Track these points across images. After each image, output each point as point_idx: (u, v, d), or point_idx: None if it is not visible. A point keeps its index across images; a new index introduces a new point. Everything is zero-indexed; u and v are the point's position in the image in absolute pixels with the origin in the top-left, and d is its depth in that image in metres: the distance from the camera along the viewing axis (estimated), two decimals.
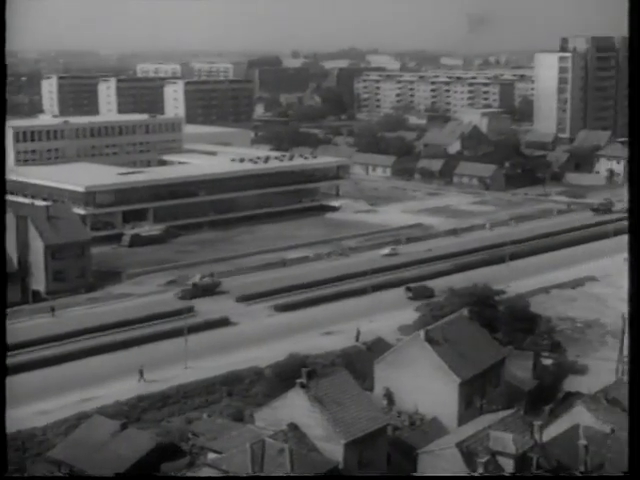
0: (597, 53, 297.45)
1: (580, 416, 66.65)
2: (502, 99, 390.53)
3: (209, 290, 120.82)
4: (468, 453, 58.54)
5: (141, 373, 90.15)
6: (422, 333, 73.42)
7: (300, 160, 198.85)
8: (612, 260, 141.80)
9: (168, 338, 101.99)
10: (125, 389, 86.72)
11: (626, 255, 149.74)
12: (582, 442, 60.68)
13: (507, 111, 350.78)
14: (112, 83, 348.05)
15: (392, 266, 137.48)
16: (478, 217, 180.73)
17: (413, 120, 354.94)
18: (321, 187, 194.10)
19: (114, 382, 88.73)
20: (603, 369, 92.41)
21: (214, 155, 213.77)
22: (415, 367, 71.95)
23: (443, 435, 66.10)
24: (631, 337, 48.19)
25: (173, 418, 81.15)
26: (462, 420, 69.69)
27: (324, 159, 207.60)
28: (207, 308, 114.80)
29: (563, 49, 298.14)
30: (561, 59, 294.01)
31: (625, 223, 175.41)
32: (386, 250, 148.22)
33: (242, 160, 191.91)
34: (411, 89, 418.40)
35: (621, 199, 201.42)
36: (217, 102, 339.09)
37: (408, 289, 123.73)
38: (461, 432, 64.18)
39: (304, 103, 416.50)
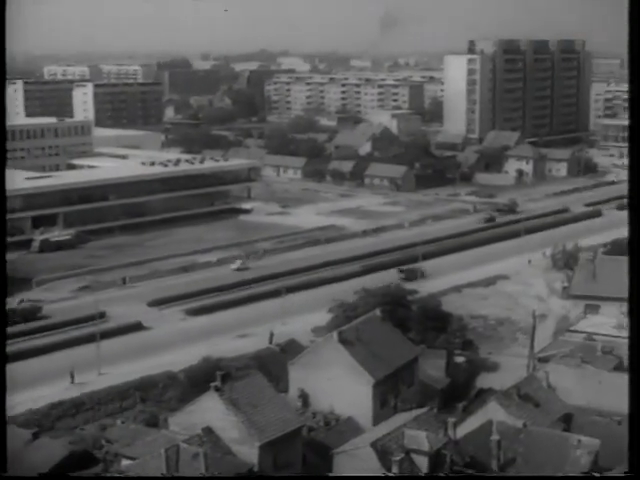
0: (504, 55, 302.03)
1: (493, 412, 67.59)
2: (412, 100, 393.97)
3: (28, 316, 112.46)
4: (383, 452, 58.88)
5: (72, 375, 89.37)
6: (335, 334, 73.71)
7: (211, 163, 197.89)
8: (522, 258, 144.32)
9: (80, 344, 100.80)
10: (38, 397, 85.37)
11: (531, 256, 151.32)
12: (495, 437, 61.50)
13: (417, 112, 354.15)
14: (19, 85, 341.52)
15: (306, 268, 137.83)
16: (390, 218, 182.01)
17: (324, 122, 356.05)
18: (233, 190, 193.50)
19: (26, 390, 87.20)
20: (515, 365, 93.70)
21: (124, 158, 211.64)
22: (329, 368, 72.17)
23: (358, 435, 66.37)
24: (631, 336, 48.31)
25: (87, 425, 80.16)
26: (377, 419, 70.12)
27: (235, 161, 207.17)
28: (119, 313, 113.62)
29: (471, 51, 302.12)
30: (469, 61, 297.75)
31: (532, 222, 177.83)
32: (235, 264, 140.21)
33: (153, 163, 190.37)
34: (321, 91, 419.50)
35: (532, 198, 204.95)
36: (127, 105, 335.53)
37: (401, 271, 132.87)
38: (376, 431, 64.54)
39: (215, 105, 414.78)
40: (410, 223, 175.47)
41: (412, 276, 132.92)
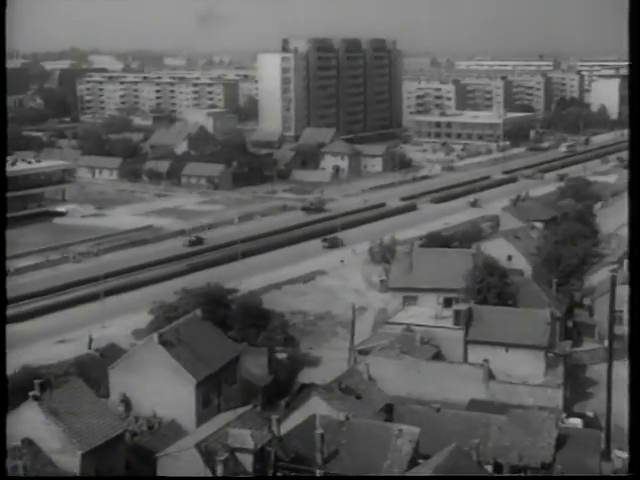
0: (317, 53, 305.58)
1: (315, 407, 68.33)
2: (227, 99, 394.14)
3: None
4: (207, 453, 58.63)
5: None
6: (156, 336, 72.90)
7: (23, 165, 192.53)
8: (340, 254, 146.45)
9: None
10: None
11: (347, 252, 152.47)
12: (318, 432, 62.13)
13: (232, 111, 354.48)
14: None
15: (126, 269, 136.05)
16: (208, 216, 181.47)
17: (138, 121, 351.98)
18: (47, 192, 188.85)
19: None
20: (336, 359, 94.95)
21: None
22: (150, 371, 71.33)
23: (182, 437, 65.88)
24: (631, 335, 48.96)
25: None
26: (200, 420, 69.69)
27: (48, 163, 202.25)
28: None
29: (285, 50, 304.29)
30: (283, 59, 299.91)
31: (350, 218, 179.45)
32: None
33: None
34: (135, 90, 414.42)
35: (348, 194, 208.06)
36: None
37: (325, 240, 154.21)
38: (200, 432, 64.20)
39: (25, 105, 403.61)
40: (228, 221, 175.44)
41: (334, 244, 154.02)
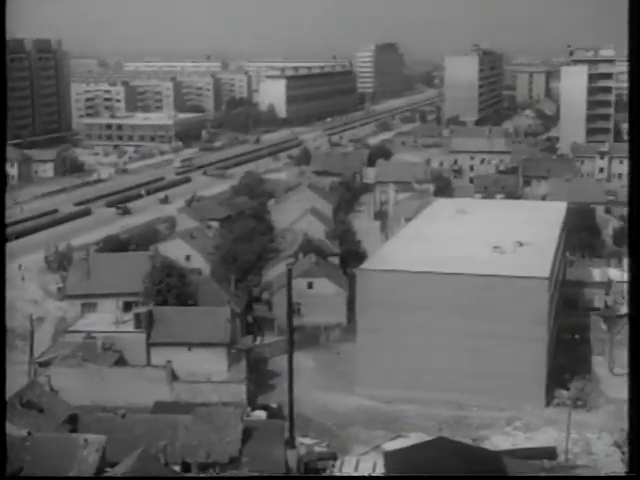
0: (11, 55, 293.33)
1: None
2: None
3: None
4: None
5: None
6: None
7: None
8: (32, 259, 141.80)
9: None
10: None
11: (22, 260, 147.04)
12: None
13: None
14: None
15: None
16: None
17: None
18: None
19: None
20: (15, 373, 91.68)
21: None
22: None
23: None
24: (631, 334, 48.91)
25: None
26: None
27: None
28: None
29: None
30: None
31: (22, 226, 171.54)
32: None
33: None
34: None
35: (17, 202, 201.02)
36: None
37: (118, 207, 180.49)
38: None
39: None
40: None
41: (126, 212, 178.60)
